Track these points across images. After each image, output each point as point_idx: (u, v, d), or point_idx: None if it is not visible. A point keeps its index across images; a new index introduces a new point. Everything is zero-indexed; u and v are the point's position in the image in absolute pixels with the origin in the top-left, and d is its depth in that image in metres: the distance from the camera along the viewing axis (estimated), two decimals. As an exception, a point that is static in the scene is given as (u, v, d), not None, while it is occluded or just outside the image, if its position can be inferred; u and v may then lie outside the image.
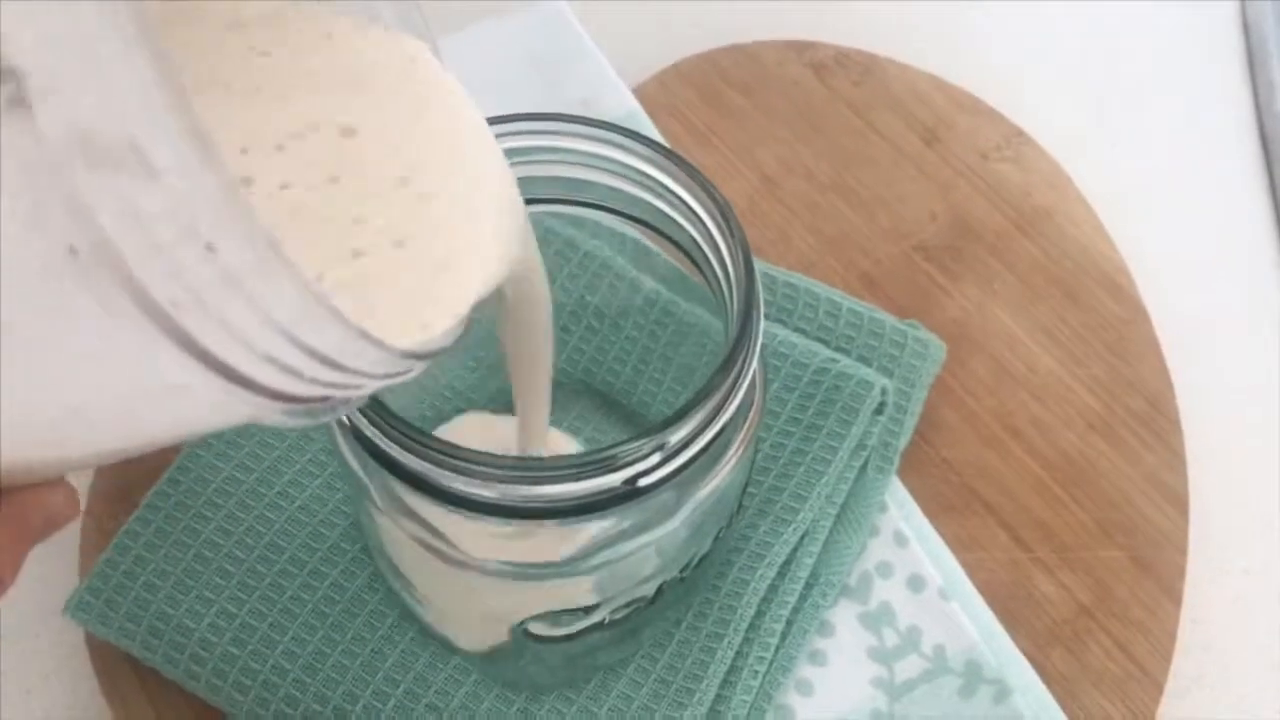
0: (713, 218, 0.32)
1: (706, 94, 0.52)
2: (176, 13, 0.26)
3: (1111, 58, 0.56)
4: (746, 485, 0.36)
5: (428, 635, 0.38)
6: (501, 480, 0.28)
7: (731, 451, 0.32)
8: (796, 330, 0.43)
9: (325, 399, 0.21)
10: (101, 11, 0.15)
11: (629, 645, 0.37)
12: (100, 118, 0.15)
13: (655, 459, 0.29)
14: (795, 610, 0.39)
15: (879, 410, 0.41)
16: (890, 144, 0.50)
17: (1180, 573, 0.42)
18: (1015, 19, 0.56)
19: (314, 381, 0.20)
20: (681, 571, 0.35)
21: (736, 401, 0.30)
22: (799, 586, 0.39)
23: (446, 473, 0.28)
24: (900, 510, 0.42)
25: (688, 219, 0.33)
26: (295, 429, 0.41)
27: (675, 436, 0.29)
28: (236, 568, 0.39)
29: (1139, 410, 0.45)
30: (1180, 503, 0.43)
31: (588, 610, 0.34)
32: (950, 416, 0.44)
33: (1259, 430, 0.46)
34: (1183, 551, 0.42)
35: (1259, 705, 0.41)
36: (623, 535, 0.31)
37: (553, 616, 0.34)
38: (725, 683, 0.38)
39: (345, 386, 0.21)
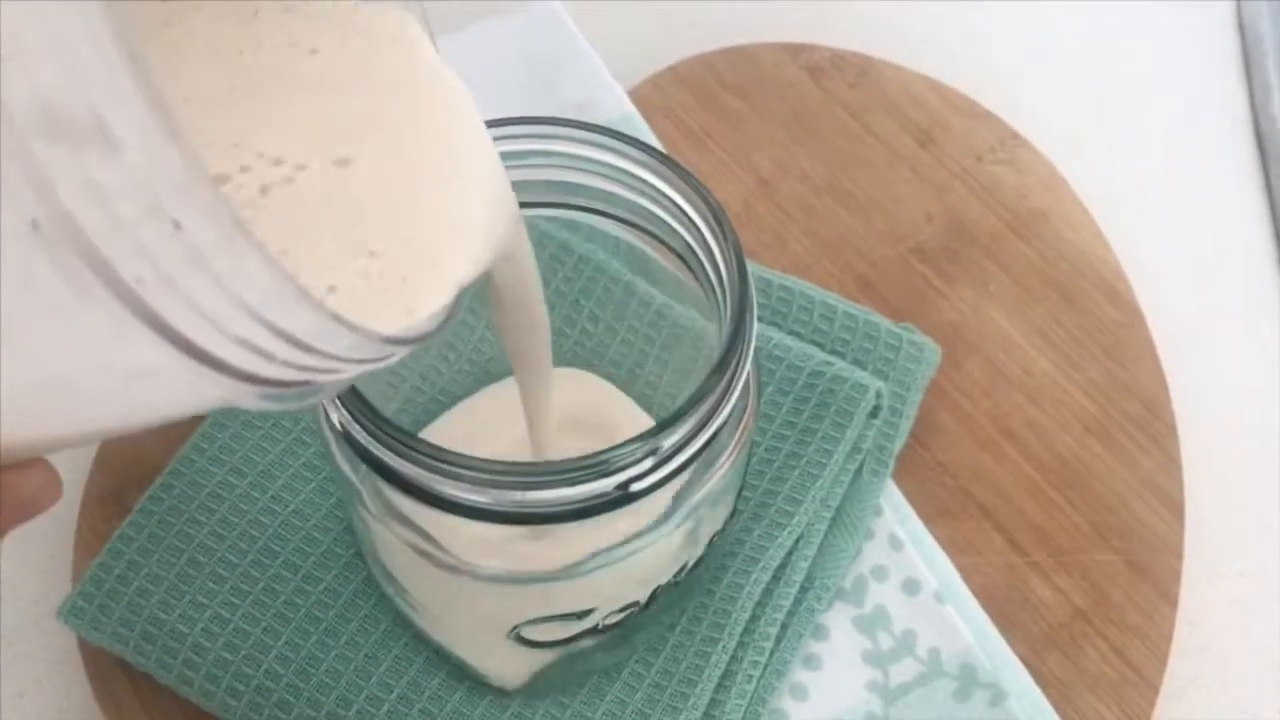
0: (706, 222, 0.32)
1: (702, 96, 0.51)
2: (179, 10, 0.26)
3: (1107, 60, 0.55)
4: (741, 489, 0.36)
5: (421, 640, 0.38)
6: (493, 485, 0.28)
7: (726, 455, 0.32)
8: (791, 333, 0.43)
9: (303, 383, 0.21)
10: None
11: (623, 650, 0.37)
12: (62, 89, 0.15)
13: (649, 463, 0.29)
14: (790, 614, 0.39)
15: (874, 413, 0.41)
16: (886, 146, 0.50)
17: (1176, 576, 0.42)
18: (1010, 21, 0.56)
19: (287, 365, 0.19)
20: (676, 576, 0.35)
21: (730, 405, 0.30)
22: (794, 590, 0.39)
23: (437, 477, 0.28)
24: (895, 514, 0.42)
25: (682, 223, 0.33)
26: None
27: (669, 441, 0.29)
28: (230, 573, 0.39)
29: (1135, 413, 0.44)
30: (1176, 506, 0.43)
31: (582, 615, 0.34)
32: (945, 420, 0.44)
33: (1255, 433, 0.46)
34: (1178, 555, 0.42)
35: (1256, 706, 0.41)
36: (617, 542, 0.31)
37: (547, 622, 0.34)
38: (720, 687, 0.38)
39: (321, 370, 0.20)
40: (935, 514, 0.42)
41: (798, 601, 0.39)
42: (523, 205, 0.34)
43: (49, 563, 0.43)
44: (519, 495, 0.28)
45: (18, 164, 0.15)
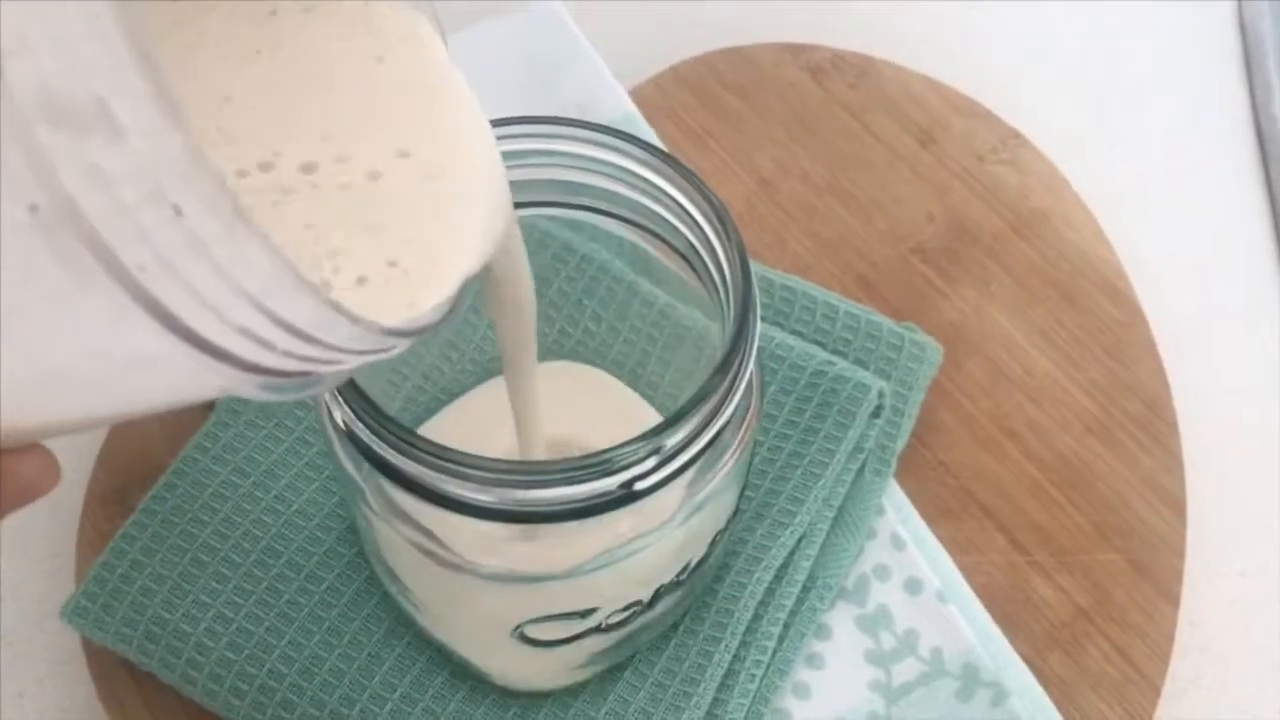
0: (709, 221, 0.32)
1: (703, 97, 0.51)
2: (194, 10, 0.26)
3: (1108, 60, 0.56)
4: (744, 488, 0.36)
5: (424, 640, 0.38)
6: (496, 484, 0.28)
7: (729, 455, 0.32)
8: (793, 333, 0.43)
9: (303, 373, 0.21)
10: None
11: (626, 649, 0.37)
12: (66, 75, 0.15)
13: (652, 462, 0.29)
14: (792, 613, 0.39)
15: (876, 413, 0.41)
16: (886, 146, 0.50)
17: (1178, 575, 0.42)
18: (1011, 21, 0.56)
19: (288, 355, 0.19)
20: (679, 575, 0.35)
21: (733, 404, 0.30)
22: (796, 589, 0.39)
23: (441, 476, 0.28)
24: (897, 513, 0.42)
25: (684, 222, 0.33)
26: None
27: (672, 440, 0.29)
28: (233, 571, 0.39)
29: (1136, 413, 0.45)
30: (1177, 505, 0.43)
31: (585, 614, 0.34)
32: (947, 419, 0.44)
33: (1256, 432, 0.46)
34: (1180, 554, 0.42)
35: (1257, 706, 0.41)
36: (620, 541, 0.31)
37: (550, 620, 0.34)
38: (722, 686, 0.38)
39: (323, 361, 0.20)
40: (937, 513, 0.42)
41: (800, 601, 0.39)
42: (525, 205, 0.34)
43: (51, 562, 0.43)
44: (522, 494, 0.28)
45: (19, 148, 0.15)
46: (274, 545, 0.39)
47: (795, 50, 0.53)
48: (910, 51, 0.53)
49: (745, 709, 0.37)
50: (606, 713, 0.37)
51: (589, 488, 0.28)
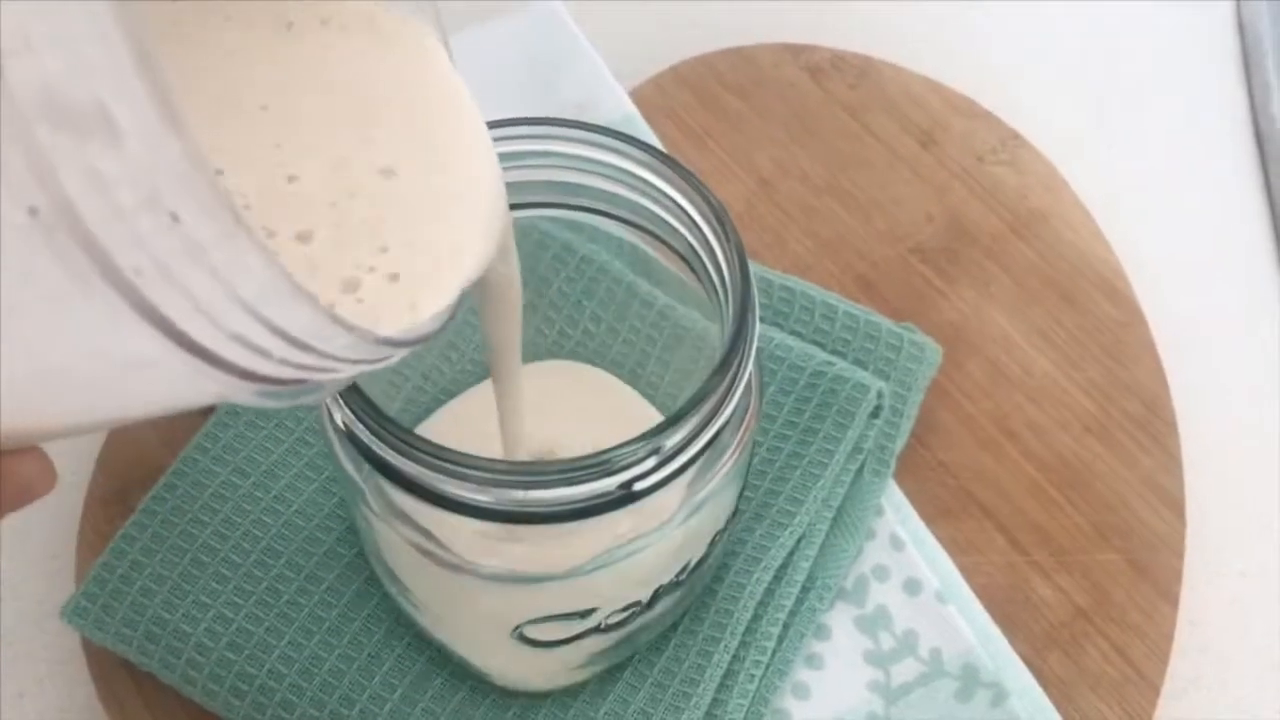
0: (708, 221, 0.32)
1: (703, 97, 0.52)
2: (209, 19, 0.27)
3: (1107, 60, 0.56)
4: (743, 489, 0.36)
5: (424, 640, 0.38)
6: (496, 484, 0.28)
7: (728, 455, 0.32)
8: (792, 333, 0.43)
9: (299, 381, 0.21)
10: None
11: (625, 649, 0.37)
12: (68, 77, 0.15)
13: (651, 463, 0.29)
14: (792, 614, 0.39)
15: (875, 413, 0.41)
16: (886, 147, 0.50)
17: (1177, 575, 0.42)
18: (1010, 22, 0.56)
19: (284, 362, 0.19)
20: (678, 575, 0.35)
21: (732, 404, 0.30)
22: (795, 590, 0.39)
23: (440, 476, 0.28)
24: (896, 514, 0.42)
25: (683, 223, 0.33)
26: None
27: (671, 440, 0.29)
28: (233, 572, 0.39)
29: (1135, 413, 0.45)
30: (1177, 505, 0.43)
31: (584, 614, 0.34)
32: (946, 419, 0.44)
33: (1255, 432, 0.46)
34: (1179, 554, 0.42)
35: (1257, 706, 0.41)
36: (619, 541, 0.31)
37: (549, 621, 0.34)
38: (722, 686, 0.38)
39: (319, 369, 0.20)
40: (936, 514, 0.42)
41: (799, 601, 0.39)
42: (525, 206, 0.34)
43: (51, 563, 0.43)
44: (521, 494, 0.28)
45: (19, 148, 0.15)
46: (274, 546, 0.39)
47: (795, 50, 0.53)
48: (910, 52, 0.53)
49: (744, 709, 0.37)
50: (606, 713, 0.37)
51: (588, 488, 0.28)
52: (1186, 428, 0.45)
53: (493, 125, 0.29)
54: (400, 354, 0.23)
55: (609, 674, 0.38)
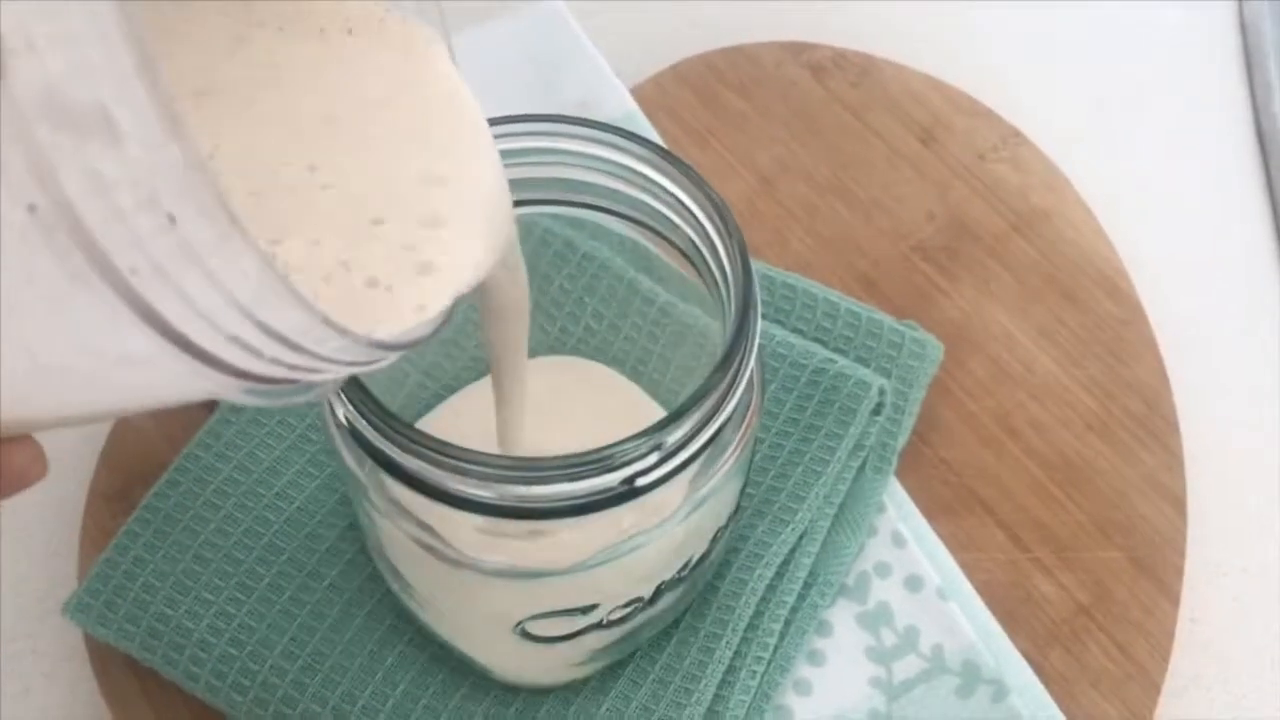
0: (710, 219, 0.32)
1: (704, 95, 0.52)
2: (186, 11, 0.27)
3: (1108, 58, 0.56)
4: (745, 486, 0.36)
5: (426, 636, 0.38)
6: (498, 480, 0.28)
7: (729, 451, 0.32)
8: (794, 330, 0.43)
9: (291, 381, 0.21)
10: None
11: (627, 645, 0.37)
12: (70, 78, 0.15)
13: (653, 459, 0.29)
14: (793, 610, 0.39)
15: (877, 410, 0.41)
16: (887, 145, 0.50)
17: (1178, 573, 0.42)
18: (1011, 21, 0.57)
19: (275, 362, 0.19)
20: (680, 571, 0.35)
21: (734, 401, 0.30)
22: (797, 586, 0.39)
23: (443, 472, 0.28)
24: (898, 510, 0.42)
25: (685, 220, 0.33)
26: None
27: (673, 436, 0.29)
28: (235, 568, 0.39)
29: (1136, 411, 0.45)
30: (1178, 503, 0.43)
31: (586, 610, 0.34)
32: (948, 417, 0.44)
33: (1256, 430, 0.46)
34: (1180, 552, 0.42)
35: (1257, 705, 0.41)
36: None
37: (551, 617, 0.34)
38: (723, 682, 0.38)
39: (310, 370, 0.21)
40: (938, 510, 0.42)
41: (801, 598, 0.39)
42: (527, 203, 0.34)
43: (54, 559, 0.43)
44: (524, 490, 0.28)
45: (19, 148, 0.15)
46: (276, 542, 0.39)
47: (796, 49, 0.53)
48: (911, 50, 0.53)
49: (746, 705, 0.38)
50: (608, 709, 0.37)
51: (591, 484, 0.28)
52: (1188, 425, 0.45)
53: (494, 122, 0.29)
54: (392, 357, 0.23)
55: (611, 670, 0.38)
